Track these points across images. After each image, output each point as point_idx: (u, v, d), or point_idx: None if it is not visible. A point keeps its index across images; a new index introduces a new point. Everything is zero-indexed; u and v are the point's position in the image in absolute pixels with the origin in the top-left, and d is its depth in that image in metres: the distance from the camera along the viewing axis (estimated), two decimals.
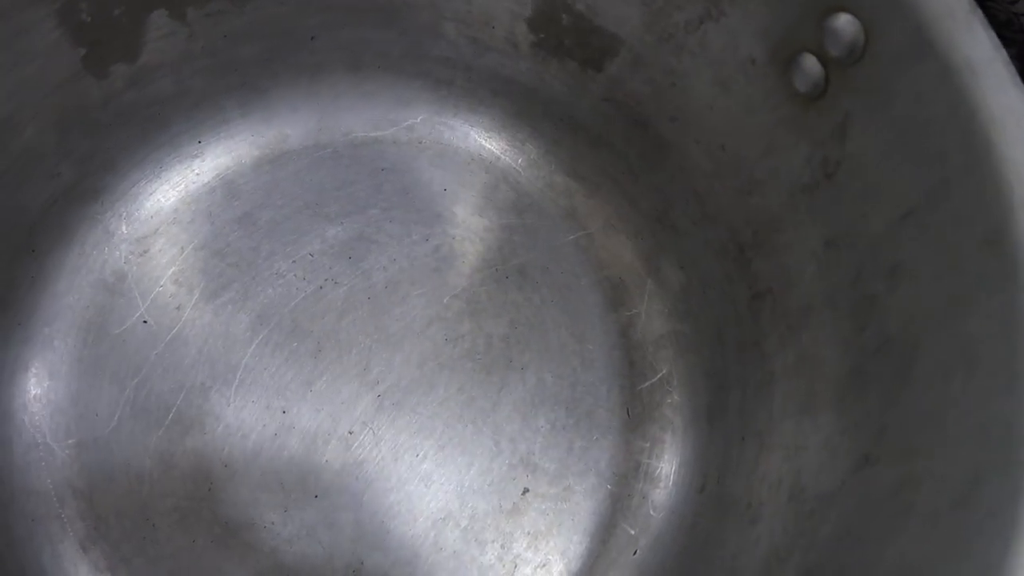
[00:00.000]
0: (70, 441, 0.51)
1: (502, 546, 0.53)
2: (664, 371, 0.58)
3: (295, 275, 0.57)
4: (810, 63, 0.41)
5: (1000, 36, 0.34)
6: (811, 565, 0.38)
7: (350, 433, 0.54)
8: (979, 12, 0.34)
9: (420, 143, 0.61)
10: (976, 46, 0.33)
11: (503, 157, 0.62)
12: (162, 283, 0.55)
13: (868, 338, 0.40)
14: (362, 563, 0.51)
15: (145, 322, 0.54)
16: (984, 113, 0.32)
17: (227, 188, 0.58)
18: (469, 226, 0.60)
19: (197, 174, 0.57)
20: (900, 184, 0.38)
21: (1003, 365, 0.31)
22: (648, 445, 0.56)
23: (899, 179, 0.38)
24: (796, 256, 0.47)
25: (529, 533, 0.53)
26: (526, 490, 0.54)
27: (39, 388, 0.51)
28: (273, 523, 0.51)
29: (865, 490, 0.37)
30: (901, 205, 0.38)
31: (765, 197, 0.48)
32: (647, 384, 0.58)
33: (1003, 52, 0.33)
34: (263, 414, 0.53)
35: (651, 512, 0.55)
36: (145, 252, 0.55)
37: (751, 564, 0.44)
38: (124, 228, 0.55)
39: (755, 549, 0.45)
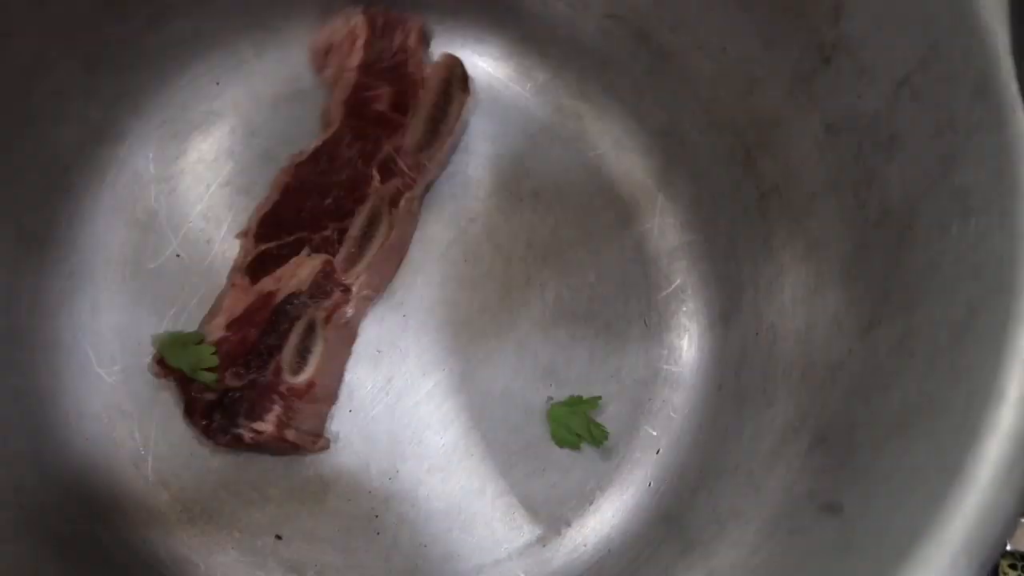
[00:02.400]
0: (116, 368, 0.54)
1: (529, 451, 0.55)
2: (679, 281, 0.60)
3: None
4: None
5: None
6: (823, 427, 0.40)
7: (378, 352, 0.56)
8: None
9: None
10: None
11: (511, 85, 0.63)
12: (191, 219, 0.57)
13: (870, 211, 0.41)
14: (397, 471, 0.54)
15: (178, 256, 0.56)
16: None
17: (247, 127, 0.60)
18: (482, 153, 0.62)
19: (217, 115, 0.60)
20: (893, 56, 0.39)
21: (995, 205, 0.32)
22: (666, 352, 0.58)
23: (892, 51, 0.39)
24: (799, 147, 0.48)
25: (555, 438, 0.56)
26: (550, 398, 0.56)
27: (84, 319, 0.53)
28: None
29: (871, 350, 0.39)
30: (895, 76, 0.39)
31: (767, 94, 0.50)
32: (663, 295, 0.60)
33: None
34: None
35: (672, 414, 0.57)
36: (173, 191, 0.58)
37: (767, 442, 0.46)
38: (152, 168, 0.58)
39: (771, 427, 0.47)
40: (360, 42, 0.56)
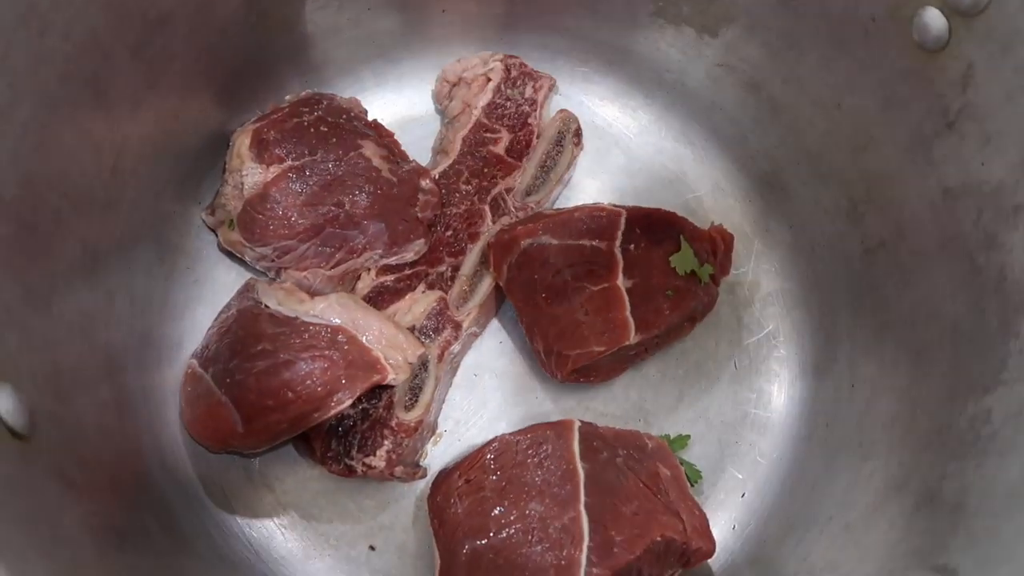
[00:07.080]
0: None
1: None
2: (771, 327, 0.60)
3: None
4: (932, 16, 0.43)
5: None
6: (930, 487, 0.41)
7: (475, 376, 0.58)
8: None
9: None
10: None
11: (615, 124, 0.65)
12: None
13: (987, 277, 0.42)
14: None
15: None
16: None
17: None
18: (582, 188, 0.64)
19: None
20: (1022, 127, 0.39)
21: None
22: (754, 396, 0.59)
23: (1021, 123, 0.39)
24: (912, 207, 0.49)
25: None
26: None
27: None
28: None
29: (985, 416, 0.39)
30: (1023, 149, 0.39)
31: (881, 152, 0.50)
32: (754, 339, 0.60)
33: None
34: None
35: (758, 459, 0.57)
36: None
37: (865, 496, 0.47)
38: None
39: (869, 482, 0.47)
40: (492, 85, 0.59)
